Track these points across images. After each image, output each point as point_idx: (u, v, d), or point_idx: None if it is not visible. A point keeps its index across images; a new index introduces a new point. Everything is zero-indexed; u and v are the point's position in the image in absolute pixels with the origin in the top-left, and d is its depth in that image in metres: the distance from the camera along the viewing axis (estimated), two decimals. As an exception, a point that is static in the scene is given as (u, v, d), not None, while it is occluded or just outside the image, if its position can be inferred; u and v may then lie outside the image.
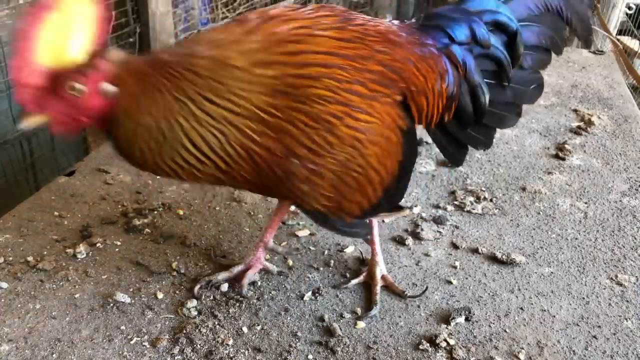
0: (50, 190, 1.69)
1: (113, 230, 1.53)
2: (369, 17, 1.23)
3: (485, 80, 1.31)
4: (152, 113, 1.01)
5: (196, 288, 1.33)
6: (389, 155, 1.17)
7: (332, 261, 1.47)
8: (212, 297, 1.32)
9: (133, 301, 1.30)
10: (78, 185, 1.72)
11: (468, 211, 1.70)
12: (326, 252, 1.50)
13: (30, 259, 1.40)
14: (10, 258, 1.40)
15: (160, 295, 1.32)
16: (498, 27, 1.30)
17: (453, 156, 1.43)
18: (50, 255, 1.41)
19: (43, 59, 0.94)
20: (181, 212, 1.63)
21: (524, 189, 1.82)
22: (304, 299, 1.34)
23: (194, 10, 4.05)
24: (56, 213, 1.58)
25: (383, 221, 1.61)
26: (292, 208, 1.65)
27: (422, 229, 1.59)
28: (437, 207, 1.71)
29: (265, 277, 1.40)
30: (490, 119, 1.36)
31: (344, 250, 1.51)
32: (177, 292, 1.34)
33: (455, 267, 1.47)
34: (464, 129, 1.35)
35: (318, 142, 1.06)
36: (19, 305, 1.27)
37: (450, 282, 1.42)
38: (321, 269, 1.44)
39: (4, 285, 1.31)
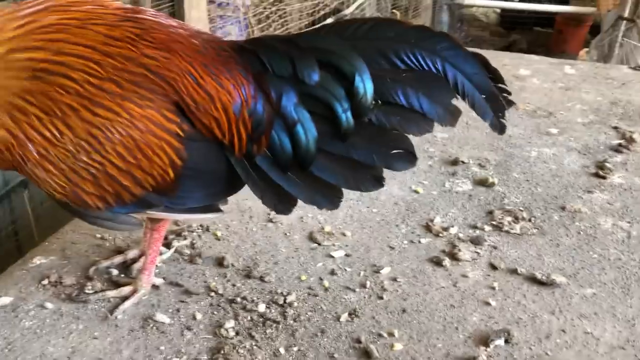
0: (93, 212, 1.74)
1: (153, 251, 1.56)
2: (175, 24, 1.21)
3: (318, 125, 1.19)
4: None
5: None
6: (146, 157, 1.14)
7: (368, 282, 1.46)
8: (249, 318, 1.34)
9: (172, 322, 1.32)
10: (119, 208, 1.76)
11: (506, 231, 1.67)
12: (362, 273, 1.50)
13: (73, 280, 1.44)
14: (55, 279, 1.44)
15: (198, 316, 1.34)
16: (335, 69, 1.16)
17: (268, 199, 1.26)
18: (92, 277, 1.45)
19: None
20: (219, 234, 1.65)
21: (563, 209, 1.79)
22: (340, 320, 1.34)
23: (231, 35, 4.14)
24: (98, 235, 1.62)
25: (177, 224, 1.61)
26: (327, 229, 1.66)
27: (459, 250, 1.57)
28: (475, 227, 1.69)
29: (301, 299, 1.40)
30: (326, 174, 1.23)
31: (380, 271, 1.50)
32: (215, 312, 1.35)
33: (493, 288, 1.45)
34: (282, 170, 1.23)
35: (50, 129, 1.09)
36: (63, 326, 1.30)
37: (488, 304, 1.40)
38: (357, 290, 1.44)
39: (49, 305, 1.35)
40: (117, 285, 1.43)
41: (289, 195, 1.25)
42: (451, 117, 1.21)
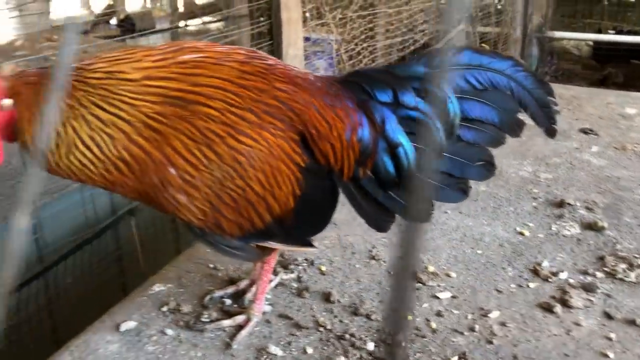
0: (205, 243, 1.83)
1: (262, 283, 1.62)
2: (286, 64, 1.31)
3: (415, 145, 1.30)
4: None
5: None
6: (278, 185, 1.22)
7: (476, 326, 1.45)
8: (358, 356, 1.35)
9: (284, 354, 1.36)
10: (229, 240, 1.84)
11: (620, 279, 1.61)
12: (469, 315, 1.49)
13: (190, 308, 1.52)
14: (173, 306, 1.52)
15: (309, 350, 1.37)
16: (427, 93, 1.28)
17: (371, 218, 1.36)
18: (207, 306, 1.52)
19: None
20: (323, 268, 1.69)
21: (682, 257, 1.70)
22: (450, 363, 1.33)
23: (319, 70, 4.27)
24: (211, 265, 1.70)
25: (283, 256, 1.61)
26: (431, 269, 1.66)
27: (570, 297, 1.53)
28: (585, 273, 1.64)
29: (409, 339, 1.41)
30: (418, 186, 1.30)
31: (488, 315, 1.48)
32: (325, 348, 1.38)
33: (610, 339, 1.39)
34: (384, 189, 1.33)
35: (197, 155, 1.15)
36: (183, 352, 1.37)
37: (606, 355, 1.34)
38: (466, 333, 1.43)
39: (169, 332, 1.43)
40: (230, 314, 1.49)
41: (389, 212, 1.36)
42: (518, 128, 1.39)
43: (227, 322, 1.45)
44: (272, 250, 1.41)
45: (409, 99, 1.30)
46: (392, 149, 1.31)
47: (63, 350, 1.38)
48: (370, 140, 1.29)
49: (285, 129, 1.22)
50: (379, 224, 1.38)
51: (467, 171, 1.38)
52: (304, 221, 1.32)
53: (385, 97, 1.30)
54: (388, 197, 1.34)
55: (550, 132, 1.42)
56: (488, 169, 1.40)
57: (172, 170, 1.16)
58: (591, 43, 7.48)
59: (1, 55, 3.62)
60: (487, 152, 1.38)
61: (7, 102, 1.14)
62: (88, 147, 1.14)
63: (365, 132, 1.29)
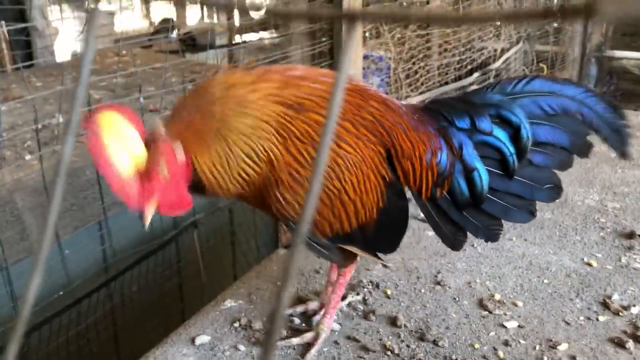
0: (272, 261, 1.89)
1: (329, 304, 1.66)
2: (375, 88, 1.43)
3: (488, 168, 1.39)
4: (210, 147, 1.22)
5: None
6: (366, 192, 1.32)
7: (545, 357, 1.44)
8: (427, 382, 1.38)
9: (354, 377, 1.40)
10: (296, 259, 1.89)
11: (695, 316, 1.57)
12: (537, 347, 1.49)
13: (260, 325, 1.57)
14: (245, 323, 1.58)
15: (378, 374, 1.40)
16: (501, 120, 1.39)
17: (447, 237, 1.45)
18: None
19: (125, 169, 1.12)
20: (389, 292, 1.72)
21: None
22: (519, 394, 1.34)
23: (373, 87, 4.29)
24: (279, 283, 1.76)
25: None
26: (497, 297, 1.66)
27: (642, 332, 1.51)
28: (658, 308, 1.61)
29: (477, 367, 1.42)
30: (492, 208, 1.42)
31: (557, 347, 1.48)
32: (394, 372, 1.41)
33: (685, 379, 1.37)
34: (459, 209, 1.42)
35: (304, 155, 1.24)
36: (256, 368, 1.42)
37: (681, 396, 1.32)
38: (534, 364, 1.43)
39: (242, 348, 1.49)
40: (299, 332, 1.54)
41: (463, 231, 1.45)
42: (587, 150, 1.43)
43: (296, 340, 1.50)
44: (350, 261, 1.47)
45: (485, 125, 1.39)
46: (468, 172, 1.40)
47: (143, 361, 1.45)
48: (448, 164, 1.39)
49: (376, 142, 1.33)
50: (454, 242, 1.46)
51: (536, 194, 1.44)
52: (382, 234, 1.41)
53: (463, 123, 1.40)
54: (462, 217, 1.43)
55: (624, 155, 1.43)
56: (556, 191, 1.46)
57: (285, 169, 1.25)
58: (654, 63, 7.26)
59: (74, 70, 3.81)
60: (555, 175, 1.45)
61: (181, 157, 1.19)
62: (248, 156, 1.24)
63: (443, 155, 1.39)
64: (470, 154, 1.39)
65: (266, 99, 1.25)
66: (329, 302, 1.51)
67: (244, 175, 1.25)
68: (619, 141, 1.41)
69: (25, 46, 3.67)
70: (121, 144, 1.13)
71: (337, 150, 1.28)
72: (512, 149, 1.39)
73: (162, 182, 1.16)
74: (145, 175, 1.15)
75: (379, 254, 1.48)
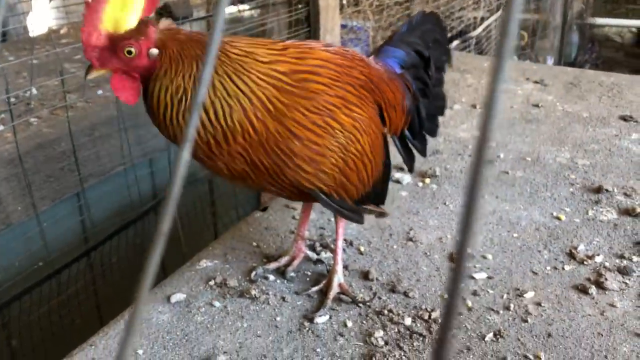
0: (248, 223, 1.91)
1: (303, 260, 1.69)
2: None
3: (422, 98, 1.61)
4: (184, 76, 1.22)
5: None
6: (377, 150, 1.41)
7: (511, 305, 1.49)
8: (396, 330, 1.41)
9: (325, 327, 1.43)
10: (271, 220, 1.92)
11: (657, 263, 1.62)
12: (505, 295, 1.53)
13: (235, 283, 1.59)
14: (219, 281, 1.60)
15: (349, 324, 1.43)
16: (418, 54, 1.60)
17: (409, 162, 1.66)
18: (252, 281, 1.60)
19: (106, 26, 1.19)
20: (362, 249, 1.75)
21: None
22: (485, 339, 1.38)
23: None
24: (254, 243, 1.78)
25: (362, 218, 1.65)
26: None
27: (605, 279, 1.55)
28: (622, 257, 1.66)
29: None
30: (424, 129, 1.66)
31: (524, 295, 1.52)
32: (364, 322, 1.45)
33: (645, 321, 1.42)
34: (414, 137, 1.62)
35: (321, 125, 1.27)
36: (230, 323, 1.45)
37: (639, 336, 1.37)
38: (501, 312, 1.47)
39: (217, 304, 1.51)
40: (313, 282, 1.60)
41: (414, 153, 1.67)
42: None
43: (315, 288, 1.55)
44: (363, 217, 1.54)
45: (417, 62, 1.60)
46: (417, 105, 1.60)
47: (119, 319, 1.47)
48: (410, 102, 1.56)
49: (373, 100, 1.40)
50: (411, 164, 1.68)
51: (437, 109, 1.71)
52: (384, 188, 1.53)
53: (407, 64, 1.58)
54: (412, 142, 1.64)
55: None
56: (445, 101, 1.74)
57: (297, 142, 1.26)
58: (634, 30, 7.30)
59: (47, 43, 3.75)
60: (442, 90, 1.73)
61: (155, 52, 1.23)
62: (205, 111, 1.22)
63: (408, 97, 1.55)
64: (417, 90, 1.60)
65: (272, 74, 1.25)
66: (335, 250, 1.56)
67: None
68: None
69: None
70: (121, 5, 1.19)
71: (351, 114, 1.32)
72: (427, 77, 1.62)
73: (120, 59, 1.21)
74: (115, 42, 1.20)
75: (382, 206, 1.57)
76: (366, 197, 1.44)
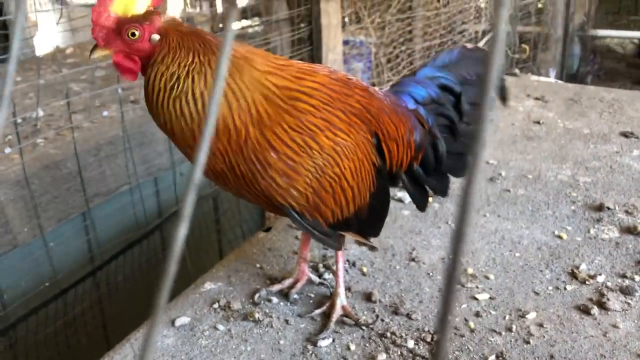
0: (251, 244, 1.93)
1: (306, 282, 1.70)
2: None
3: (443, 135, 1.57)
4: (179, 64, 1.26)
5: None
6: (361, 178, 1.40)
7: (513, 326, 1.49)
8: (399, 353, 1.42)
9: (329, 350, 1.44)
10: (274, 240, 1.93)
11: (659, 283, 1.63)
12: (507, 316, 1.54)
13: (239, 305, 1.61)
14: (223, 304, 1.62)
15: (352, 347, 1.44)
16: (446, 89, 1.57)
17: (419, 200, 1.61)
18: (255, 304, 1.61)
19: (116, 9, 1.26)
20: (365, 269, 1.76)
21: None
22: (488, 361, 1.39)
23: (356, 72, 4.33)
24: (257, 265, 1.79)
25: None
26: (470, 271, 1.71)
27: (608, 299, 1.56)
28: (624, 276, 1.66)
29: (449, 338, 1.46)
30: (445, 168, 1.60)
31: (526, 316, 1.53)
32: (367, 345, 1.46)
33: (647, 342, 1.42)
34: (428, 175, 1.58)
35: (300, 143, 1.30)
36: (233, 347, 1.46)
37: (642, 357, 1.37)
38: (503, 333, 1.48)
39: (221, 327, 1.53)
40: (317, 304, 1.61)
41: (427, 193, 1.63)
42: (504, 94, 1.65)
43: (318, 311, 1.56)
44: (343, 242, 1.55)
45: (440, 97, 1.57)
46: (434, 142, 1.57)
47: (124, 342, 1.49)
48: (422, 139, 1.54)
49: (366, 129, 1.40)
50: (423, 204, 1.63)
51: (469, 149, 1.59)
52: (372, 218, 1.50)
53: (426, 99, 1.56)
54: (428, 181, 1.60)
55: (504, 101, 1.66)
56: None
57: (273, 154, 1.29)
58: (636, 41, 7.32)
59: (53, 63, 3.80)
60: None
61: (156, 37, 1.29)
62: (195, 101, 1.26)
63: (418, 132, 1.53)
64: (434, 126, 1.56)
65: (264, 83, 1.29)
66: (337, 272, 1.58)
67: (178, 113, 1.27)
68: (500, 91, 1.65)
69: (3, 39, 3.66)
70: None
71: (333, 138, 1.34)
72: (456, 114, 1.59)
73: (123, 41, 1.27)
74: (122, 25, 1.26)
75: (370, 238, 1.57)
76: (345, 224, 1.44)
